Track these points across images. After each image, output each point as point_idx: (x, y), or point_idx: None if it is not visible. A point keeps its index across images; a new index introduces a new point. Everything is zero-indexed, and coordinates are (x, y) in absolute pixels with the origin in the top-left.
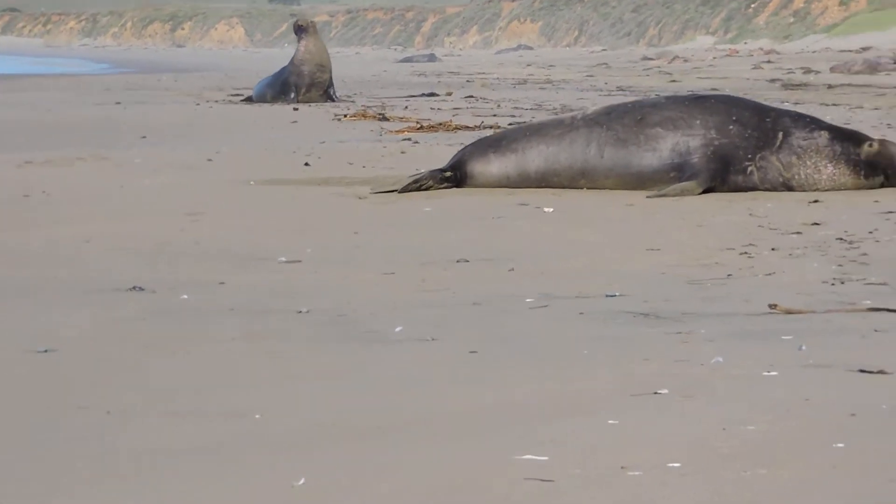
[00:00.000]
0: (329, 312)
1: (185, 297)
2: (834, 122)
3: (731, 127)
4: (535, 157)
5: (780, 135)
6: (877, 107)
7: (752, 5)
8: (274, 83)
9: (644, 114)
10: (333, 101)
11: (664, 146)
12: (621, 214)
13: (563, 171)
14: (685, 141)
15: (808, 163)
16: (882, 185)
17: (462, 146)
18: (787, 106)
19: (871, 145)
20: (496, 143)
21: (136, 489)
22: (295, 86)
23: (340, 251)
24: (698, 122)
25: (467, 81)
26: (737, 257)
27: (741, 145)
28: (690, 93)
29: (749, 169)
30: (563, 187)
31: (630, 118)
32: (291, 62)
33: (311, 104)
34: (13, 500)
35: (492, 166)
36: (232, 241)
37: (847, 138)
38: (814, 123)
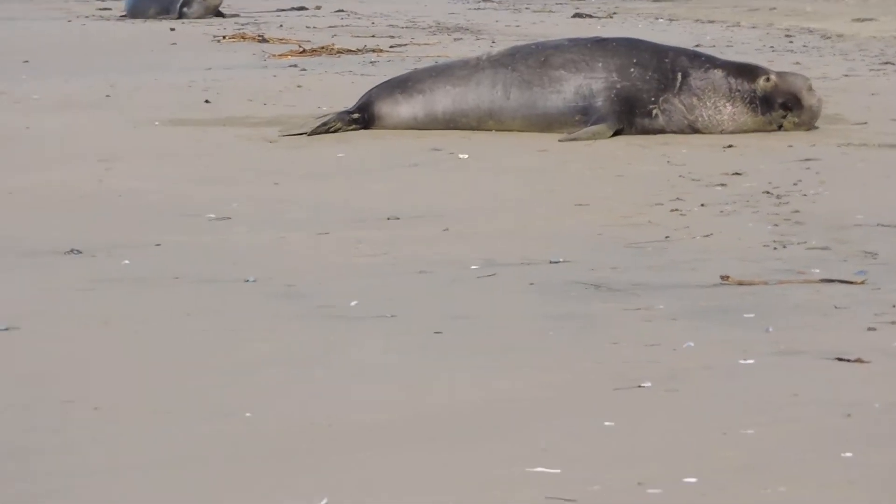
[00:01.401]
0: (277, 282)
1: (127, 262)
2: (729, 58)
3: (632, 70)
4: (443, 98)
5: (680, 76)
6: (754, 25)
7: None
8: None
9: (547, 55)
10: (224, 16)
11: (568, 88)
12: (538, 162)
13: (470, 113)
14: (588, 84)
15: (708, 103)
16: (784, 118)
17: (348, 73)
18: (661, 22)
19: (767, 79)
20: (403, 84)
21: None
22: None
23: (267, 206)
24: (600, 64)
25: None
26: (668, 215)
27: (643, 88)
28: (595, 37)
29: (654, 112)
30: (472, 128)
31: (534, 60)
32: None
33: (186, 21)
34: None
35: (400, 108)
36: (154, 194)
37: (741, 74)
38: (709, 62)
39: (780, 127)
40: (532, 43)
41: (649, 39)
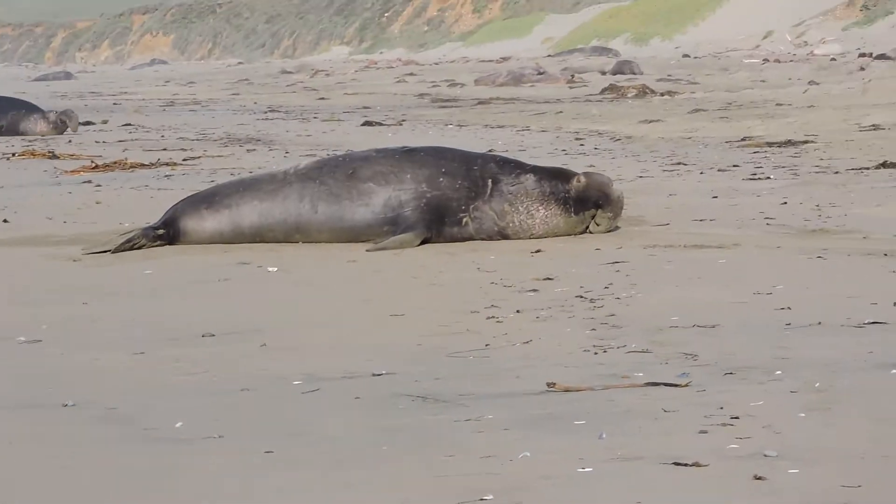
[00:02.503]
0: (97, 406)
1: None
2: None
3: (441, 179)
4: (249, 212)
5: (490, 182)
6: (543, 129)
7: (386, 14)
8: None
9: (355, 168)
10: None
11: (377, 201)
12: (348, 273)
13: (277, 227)
14: (397, 195)
15: (521, 208)
16: (594, 216)
17: (145, 187)
18: (452, 129)
19: (578, 180)
20: (209, 199)
21: None
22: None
23: (78, 327)
24: (409, 175)
25: (115, 104)
26: (485, 322)
27: (453, 196)
28: (402, 147)
29: (464, 220)
30: (279, 242)
31: (342, 172)
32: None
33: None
34: None
35: (205, 223)
36: None
37: (554, 177)
38: (519, 168)
39: (586, 229)
40: (340, 155)
41: (456, 147)
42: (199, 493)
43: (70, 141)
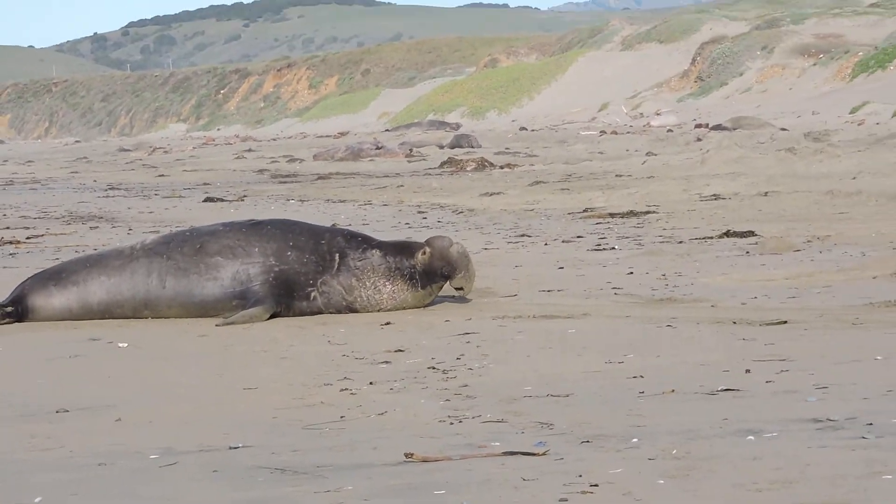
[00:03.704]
0: None
1: None
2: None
3: (289, 253)
4: (97, 289)
5: (337, 257)
6: (385, 203)
7: (222, 91)
8: None
9: (203, 242)
10: None
11: (225, 274)
12: (200, 348)
13: (126, 303)
14: (245, 269)
15: (368, 283)
16: (453, 286)
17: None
18: (293, 203)
19: (423, 253)
20: (56, 275)
21: None
22: None
23: None
24: (256, 249)
25: None
26: (339, 395)
27: (301, 270)
28: (249, 220)
29: (312, 294)
30: (128, 318)
31: (189, 247)
32: None
33: None
34: None
35: (53, 300)
36: None
37: (400, 252)
38: (366, 242)
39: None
40: (187, 230)
41: (303, 220)
42: None
43: None
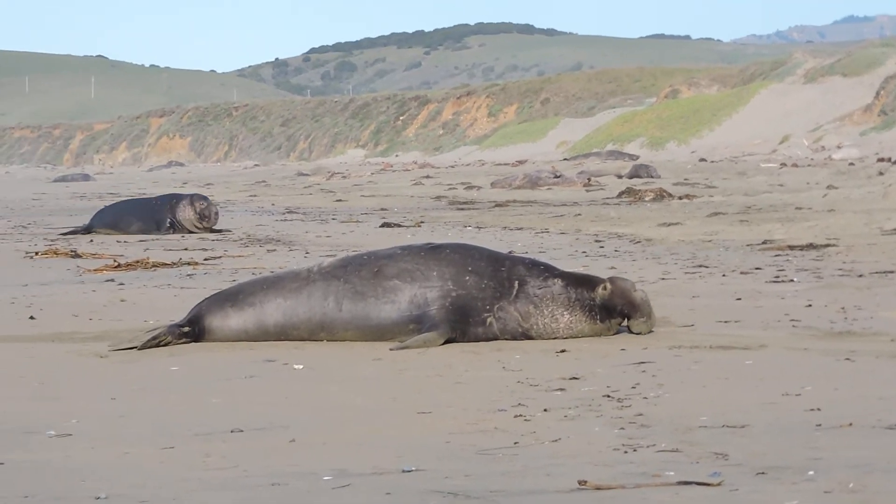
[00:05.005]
0: (129, 499)
1: None
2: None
3: (467, 278)
4: (274, 311)
5: (516, 284)
6: (562, 231)
7: (401, 118)
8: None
9: (381, 266)
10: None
11: (402, 298)
12: (375, 371)
13: (302, 325)
14: (423, 293)
15: (546, 311)
16: (629, 325)
17: (167, 286)
18: (470, 230)
19: (604, 288)
20: (233, 297)
21: None
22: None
23: (107, 421)
24: (435, 273)
25: None
26: (513, 421)
27: (479, 296)
28: (427, 244)
29: (488, 320)
30: (303, 340)
31: (367, 270)
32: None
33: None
34: None
35: (230, 321)
36: None
37: (581, 284)
38: (547, 271)
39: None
40: (364, 253)
41: (481, 246)
42: None
43: (92, 241)
